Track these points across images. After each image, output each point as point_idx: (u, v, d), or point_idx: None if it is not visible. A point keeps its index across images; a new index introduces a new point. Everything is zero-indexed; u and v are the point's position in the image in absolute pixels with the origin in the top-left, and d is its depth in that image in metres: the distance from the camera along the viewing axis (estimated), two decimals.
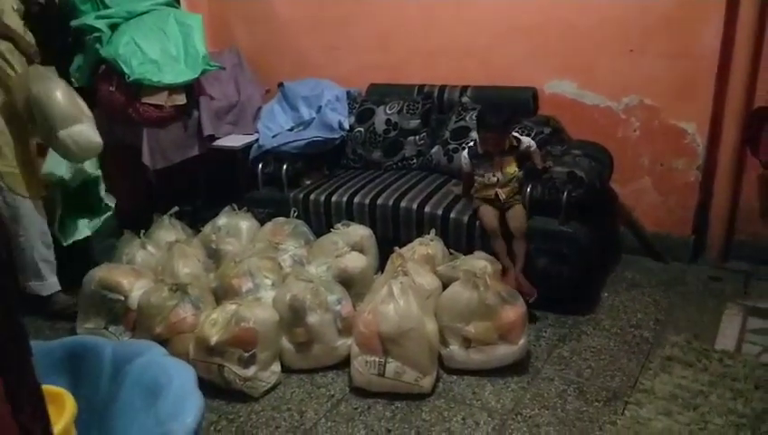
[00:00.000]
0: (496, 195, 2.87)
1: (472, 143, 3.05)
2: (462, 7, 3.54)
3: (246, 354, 2.41)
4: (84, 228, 3.25)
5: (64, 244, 3.13)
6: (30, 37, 2.86)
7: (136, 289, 2.71)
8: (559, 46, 3.38)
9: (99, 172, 3.25)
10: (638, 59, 3.22)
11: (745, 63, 3.05)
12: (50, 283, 2.99)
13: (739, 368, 2.46)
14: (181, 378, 1.35)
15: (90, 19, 3.34)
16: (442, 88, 3.63)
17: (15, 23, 2.80)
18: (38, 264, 2.93)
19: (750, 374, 2.41)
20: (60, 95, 2.70)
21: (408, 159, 3.54)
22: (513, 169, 2.89)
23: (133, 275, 2.79)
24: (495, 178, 2.88)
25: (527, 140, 2.95)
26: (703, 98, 3.15)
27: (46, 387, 1.30)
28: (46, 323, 2.99)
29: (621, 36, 3.22)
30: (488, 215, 2.87)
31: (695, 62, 3.11)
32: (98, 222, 3.28)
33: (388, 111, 3.57)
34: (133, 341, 2.46)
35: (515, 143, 2.91)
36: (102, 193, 3.28)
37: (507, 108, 2.99)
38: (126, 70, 3.24)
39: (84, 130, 2.74)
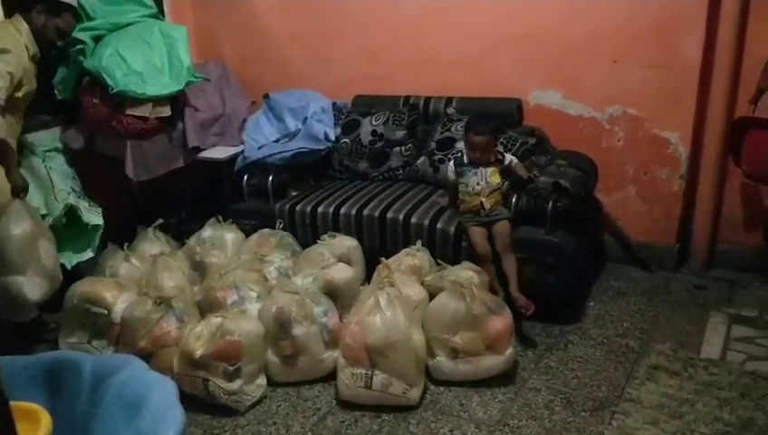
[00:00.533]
0: (481, 204, 2.87)
1: (459, 154, 3.06)
2: (448, 19, 3.56)
3: (231, 368, 2.38)
4: (84, 252, 3.21)
5: (69, 267, 3.10)
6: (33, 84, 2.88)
7: (119, 302, 2.68)
8: (544, 57, 3.40)
9: (70, 202, 3.14)
10: (621, 70, 3.25)
11: (726, 74, 3.09)
12: None
13: (724, 376, 2.46)
14: (162, 392, 1.33)
15: (73, 31, 3.31)
16: (428, 99, 3.64)
17: (30, 76, 2.83)
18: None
19: (735, 382, 2.42)
20: (16, 241, 2.66)
21: (395, 169, 3.54)
22: (497, 178, 2.91)
23: (117, 288, 2.76)
24: (480, 187, 2.88)
25: (510, 157, 2.98)
26: (685, 108, 3.18)
27: (21, 404, 1.28)
28: (28, 337, 2.95)
29: (605, 47, 3.25)
30: (478, 236, 2.83)
31: (677, 73, 3.14)
32: (94, 242, 3.24)
33: (374, 122, 3.57)
34: (113, 355, 2.43)
35: (500, 157, 2.95)
36: (85, 217, 3.20)
37: (494, 118, 3.02)
38: (110, 82, 3.22)
39: (21, 284, 2.69)
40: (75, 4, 3.10)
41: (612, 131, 3.36)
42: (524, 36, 3.40)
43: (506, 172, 2.96)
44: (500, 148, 3.05)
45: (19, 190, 2.79)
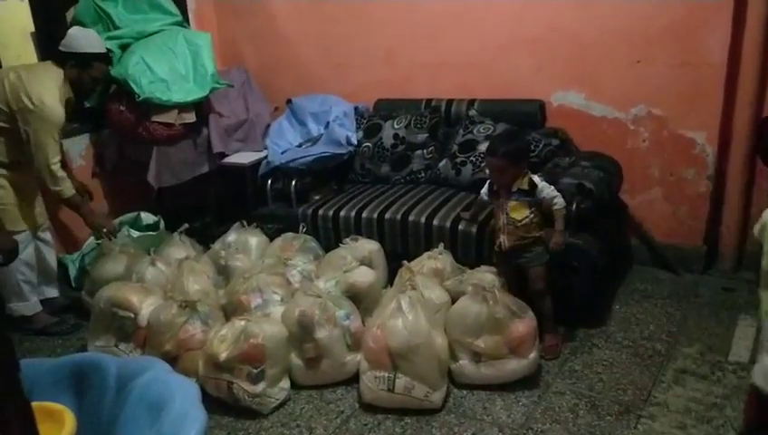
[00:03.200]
0: (500, 244, 2.64)
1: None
2: (467, 21, 3.55)
3: (255, 371, 2.40)
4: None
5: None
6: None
7: (145, 306, 2.72)
8: (565, 58, 3.38)
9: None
10: (645, 69, 3.21)
11: (754, 71, 3.03)
12: (32, 303, 3.09)
13: None
14: (184, 394, 1.34)
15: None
16: (449, 102, 3.63)
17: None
18: (21, 285, 3.02)
19: None
20: None
21: (416, 172, 3.54)
22: (521, 214, 2.58)
23: (143, 292, 2.80)
24: (500, 223, 2.63)
25: (547, 189, 2.58)
26: (712, 107, 3.13)
27: (46, 404, 1.31)
28: (57, 341, 3.02)
29: (628, 46, 3.21)
30: (501, 267, 2.72)
31: (702, 71, 3.09)
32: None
33: (396, 126, 3.58)
34: (138, 357, 2.46)
35: (526, 187, 2.58)
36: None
37: (520, 139, 2.74)
38: (136, 89, 3.28)
39: None
40: (104, 50, 3.15)
41: (637, 132, 3.32)
42: (544, 37, 3.38)
43: (540, 207, 2.60)
44: (535, 177, 2.61)
45: (103, 233, 3.17)
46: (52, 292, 3.27)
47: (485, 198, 2.78)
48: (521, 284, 2.68)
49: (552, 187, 2.63)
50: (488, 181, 2.77)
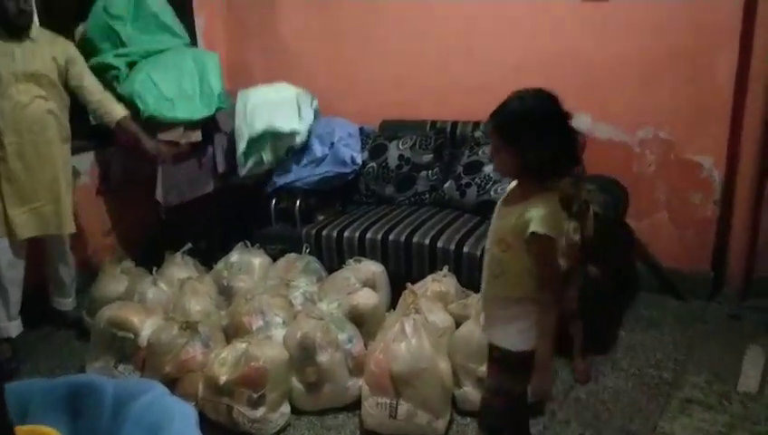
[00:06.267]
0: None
1: None
2: (474, 43, 3.56)
3: (255, 395, 2.36)
4: None
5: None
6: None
7: (146, 327, 2.69)
8: (572, 80, 3.36)
9: None
10: (652, 92, 3.20)
11: (762, 95, 3.02)
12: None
13: (762, 410, 2.37)
14: (182, 418, 1.31)
15: (108, 57, 3.40)
16: (454, 123, 3.63)
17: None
18: None
19: None
20: None
21: (421, 194, 3.52)
22: (578, 236, 2.44)
23: (144, 312, 2.77)
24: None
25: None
26: (719, 131, 3.11)
27: (35, 428, 1.29)
28: (55, 362, 2.99)
29: (635, 69, 3.21)
30: None
31: (710, 96, 3.08)
32: None
33: (401, 147, 3.57)
34: (136, 380, 2.43)
35: (585, 207, 2.36)
36: None
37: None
38: (141, 106, 3.29)
39: None
40: None
41: (643, 155, 3.30)
42: (550, 59, 3.37)
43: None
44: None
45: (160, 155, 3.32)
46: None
47: None
48: None
49: None
50: None
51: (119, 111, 3.17)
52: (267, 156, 3.63)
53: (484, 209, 3.22)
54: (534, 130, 1.65)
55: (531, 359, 1.77)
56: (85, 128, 3.50)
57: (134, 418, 1.36)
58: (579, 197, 2.49)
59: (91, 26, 3.46)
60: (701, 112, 3.12)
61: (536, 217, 1.61)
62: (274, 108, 3.62)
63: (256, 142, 3.58)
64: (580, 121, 3.38)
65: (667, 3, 3.05)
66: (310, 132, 3.71)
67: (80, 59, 3.11)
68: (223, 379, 2.36)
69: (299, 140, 3.63)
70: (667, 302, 3.31)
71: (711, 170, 3.17)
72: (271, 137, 3.60)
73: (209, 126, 3.62)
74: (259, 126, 3.56)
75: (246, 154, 3.60)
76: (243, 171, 3.63)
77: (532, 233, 1.61)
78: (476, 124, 3.55)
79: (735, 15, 2.94)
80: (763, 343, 2.86)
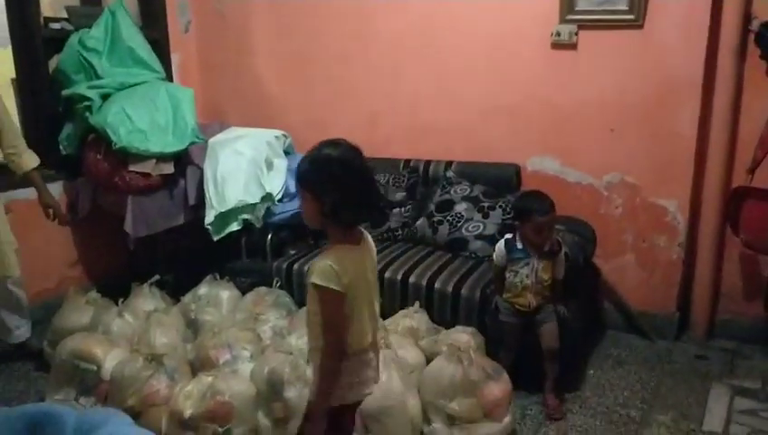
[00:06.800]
0: (529, 304, 2.64)
1: (510, 235, 2.71)
2: (447, 87, 3.64)
3: (221, 430, 2.31)
4: None
5: None
6: None
7: (110, 359, 2.62)
8: (540, 124, 3.46)
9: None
10: (618, 138, 3.29)
11: (723, 144, 3.13)
12: None
13: None
14: None
15: (81, 88, 3.39)
16: (427, 162, 3.68)
17: None
18: None
19: None
20: None
21: (394, 230, 3.54)
22: (548, 274, 2.65)
23: (107, 344, 2.71)
24: (529, 281, 2.63)
25: (565, 249, 2.69)
26: (683, 177, 3.21)
27: None
28: (12, 394, 2.89)
29: (601, 116, 3.31)
30: (513, 337, 2.70)
31: (674, 142, 3.18)
32: None
33: None
34: (98, 409, 2.35)
35: (556, 248, 2.65)
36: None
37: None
38: (113, 137, 3.27)
39: None
40: None
41: (610, 198, 3.38)
42: (520, 104, 3.46)
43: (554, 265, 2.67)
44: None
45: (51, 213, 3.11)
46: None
47: (502, 261, 2.68)
48: (521, 345, 2.70)
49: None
50: (502, 243, 2.69)
51: (31, 162, 3.04)
52: (242, 223, 3.53)
53: (456, 247, 3.25)
54: (328, 176, 1.72)
55: (341, 416, 1.82)
56: (53, 158, 3.46)
57: None
58: (550, 238, 2.61)
59: (64, 58, 3.47)
60: (666, 159, 3.22)
61: (317, 268, 1.68)
62: (244, 179, 3.52)
63: (227, 214, 3.50)
64: (549, 165, 3.47)
65: (633, 55, 3.17)
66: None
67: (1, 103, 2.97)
68: (188, 413, 2.31)
69: (276, 194, 3.59)
70: (634, 341, 3.35)
71: (675, 214, 3.26)
72: (244, 208, 3.51)
73: (182, 159, 3.61)
74: (231, 201, 3.46)
75: (219, 225, 3.50)
76: (215, 237, 3.50)
77: (311, 283, 1.69)
78: (449, 163, 3.60)
79: (697, 70, 3.07)
80: (727, 383, 2.91)
